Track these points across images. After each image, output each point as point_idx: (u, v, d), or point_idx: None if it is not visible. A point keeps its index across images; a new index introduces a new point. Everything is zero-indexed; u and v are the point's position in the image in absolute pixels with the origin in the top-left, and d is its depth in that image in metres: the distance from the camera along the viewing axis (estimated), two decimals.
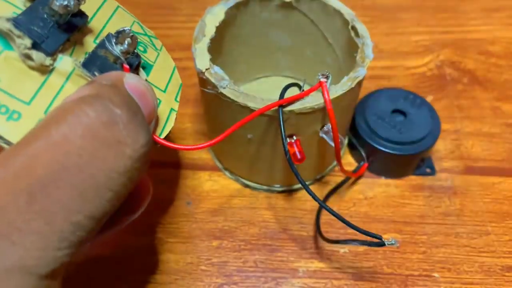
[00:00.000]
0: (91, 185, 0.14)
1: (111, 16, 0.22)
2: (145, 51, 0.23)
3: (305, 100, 0.26)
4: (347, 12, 0.31)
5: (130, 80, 0.17)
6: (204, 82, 0.27)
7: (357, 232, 0.25)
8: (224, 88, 0.26)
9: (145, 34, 0.24)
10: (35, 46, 0.17)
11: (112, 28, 0.21)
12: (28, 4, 0.18)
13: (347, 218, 0.25)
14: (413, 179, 0.35)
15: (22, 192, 0.13)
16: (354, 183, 0.35)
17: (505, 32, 0.47)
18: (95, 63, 0.19)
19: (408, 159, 0.33)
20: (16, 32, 0.17)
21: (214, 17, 0.30)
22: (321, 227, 0.32)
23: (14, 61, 0.17)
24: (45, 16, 0.18)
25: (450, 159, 0.36)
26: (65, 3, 0.17)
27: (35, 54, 0.17)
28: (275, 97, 0.26)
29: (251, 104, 0.26)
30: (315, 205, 0.34)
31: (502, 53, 0.45)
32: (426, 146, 0.33)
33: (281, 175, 0.33)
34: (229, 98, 0.26)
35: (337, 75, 0.34)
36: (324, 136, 0.28)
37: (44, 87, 0.17)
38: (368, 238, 0.25)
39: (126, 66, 0.20)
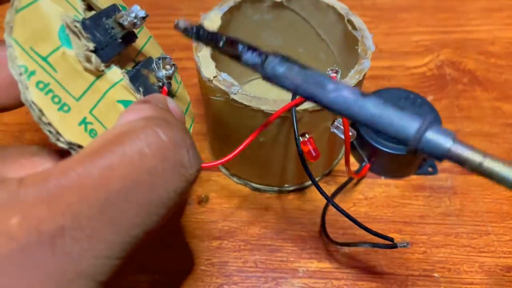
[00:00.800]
0: (154, 203, 0.15)
1: (146, 43, 0.24)
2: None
3: None
4: (341, 7, 0.31)
5: (171, 104, 0.19)
6: (212, 90, 0.27)
7: (358, 232, 0.25)
8: (235, 94, 0.26)
9: None
10: (95, 50, 0.19)
11: (147, 53, 0.23)
12: (87, 12, 0.20)
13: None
14: (413, 179, 0.35)
15: (96, 202, 0.14)
16: (354, 183, 0.35)
17: (505, 32, 0.47)
18: (138, 79, 0.21)
19: (410, 159, 0.33)
20: (85, 34, 0.18)
21: (211, 23, 0.30)
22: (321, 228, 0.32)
23: (70, 59, 0.18)
24: (107, 27, 0.19)
25: None
26: (135, 20, 0.19)
27: (94, 58, 0.18)
28: (274, 97, 0.26)
29: (264, 107, 0.25)
30: (315, 205, 0.33)
31: (502, 53, 0.45)
32: None
33: (292, 174, 0.33)
34: (241, 103, 0.26)
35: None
36: (335, 130, 0.28)
37: (91, 89, 0.18)
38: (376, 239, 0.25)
39: (166, 89, 0.21)
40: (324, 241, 0.32)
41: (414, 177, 0.35)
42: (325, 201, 0.34)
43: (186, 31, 0.20)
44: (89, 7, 0.20)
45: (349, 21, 0.30)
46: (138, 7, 0.20)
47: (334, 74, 0.25)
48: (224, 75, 0.27)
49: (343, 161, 0.36)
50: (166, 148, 0.15)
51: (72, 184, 0.14)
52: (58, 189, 0.13)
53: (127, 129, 0.15)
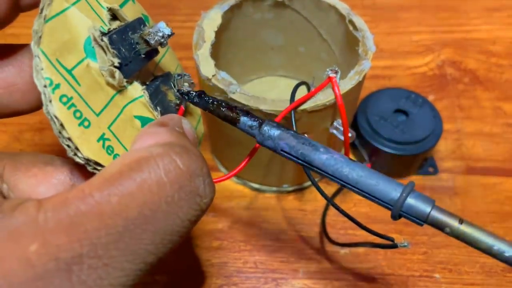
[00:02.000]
0: (169, 231, 0.15)
1: (164, 54, 0.23)
2: None
3: (316, 98, 0.26)
4: (342, 7, 0.31)
5: (186, 126, 0.19)
6: (210, 88, 0.27)
7: (358, 233, 0.25)
8: (234, 93, 0.26)
9: None
10: (119, 66, 0.18)
11: (164, 65, 0.23)
12: (112, 22, 0.19)
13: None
14: (414, 179, 0.35)
15: (114, 229, 0.14)
16: None
17: (506, 31, 0.47)
18: (157, 96, 0.20)
19: (411, 159, 0.33)
20: (111, 49, 0.18)
21: (211, 22, 0.30)
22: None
23: (93, 71, 0.18)
24: (132, 42, 0.19)
25: (451, 159, 0.36)
26: (162, 40, 0.19)
27: (118, 73, 0.18)
28: (275, 96, 0.26)
29: (263, 107, 0.25)
30: (315, 205, 0.33)
31: (503, 53, 0.45)
32: (429, 146, 0.33)
33: (291, 175, 0.32)
34: (240, 102, 0.26)
35: None
36: (334, 131, 0.28)
37: (111, 104, 0.18)
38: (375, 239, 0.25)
39: (183, 108, 0.21)
40: (324, 241, 0.31)
41: (415, 177, 0.35)
42: (325, 201, 0.34)
43: (188, 95, 0.20)
44: (114, 17, 0.19)
45: (350, 21, 0.30)
46: (164, 24, 0.19)
47: (334, 75, 0.25)
48: (223, 73, 0.27)
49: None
50: (183, 177, 0.15)
51: (90, 210, 0.13)
52: (76, 215, 0.13)
53: (145, 155, 0.15)
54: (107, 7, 0.19)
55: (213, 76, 0.26)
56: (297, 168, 0.32)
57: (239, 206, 0.33)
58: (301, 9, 0.33)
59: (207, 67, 0.27)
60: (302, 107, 0.25)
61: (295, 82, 0.26)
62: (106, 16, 0.19)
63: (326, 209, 0.32)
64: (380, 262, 0.30)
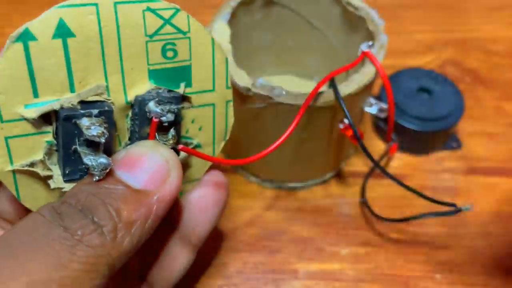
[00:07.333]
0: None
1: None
2: (175, 56, 0.20)
3: (356, 79, 0.25)
4: None
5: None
6: (250, 98, 0.26)
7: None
8: (280, 96, 0.25)
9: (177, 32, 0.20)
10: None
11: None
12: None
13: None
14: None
15: None
16: (355, 183, 0.35)
17: (508, 31, 0.47)
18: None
19: (437, 135, 0.35)
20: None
21: (220, 35, 0.28)
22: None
23: None
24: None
25: (453, 159, 0.36)
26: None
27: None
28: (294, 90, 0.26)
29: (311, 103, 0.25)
30: (315, 205, 0.33)
31: (505, 52, 0.44)
32: (454, 120, 0.34)
33: (296, 173, 0.33)
34: (289, 104, 0.25)
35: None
36: (369, 109, 0.27)
37: None
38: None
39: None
40: (324, 242, 0.31)
41: (415, 177, 0.35)
42: (324, 202, 0.33)
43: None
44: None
45: (348, 3, 0.30)
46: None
47: (369, 49, 0.25)
48: (260, 80, 0.26)
49: (349, 162, 0.36)
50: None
51: None
52: None
53: None
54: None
55: (252, 85, 0.26)
56: (300, 167, 0.31)
57: (239, 206, 0.33)
58: (289, 3, 0.33)
59: (241, 78, 0.26)
60: (346, 93, 0.25)
61: (285, 77, 0.26)
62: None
63: (366, 180, 0.32)
64: (381, 263, 0.30)
